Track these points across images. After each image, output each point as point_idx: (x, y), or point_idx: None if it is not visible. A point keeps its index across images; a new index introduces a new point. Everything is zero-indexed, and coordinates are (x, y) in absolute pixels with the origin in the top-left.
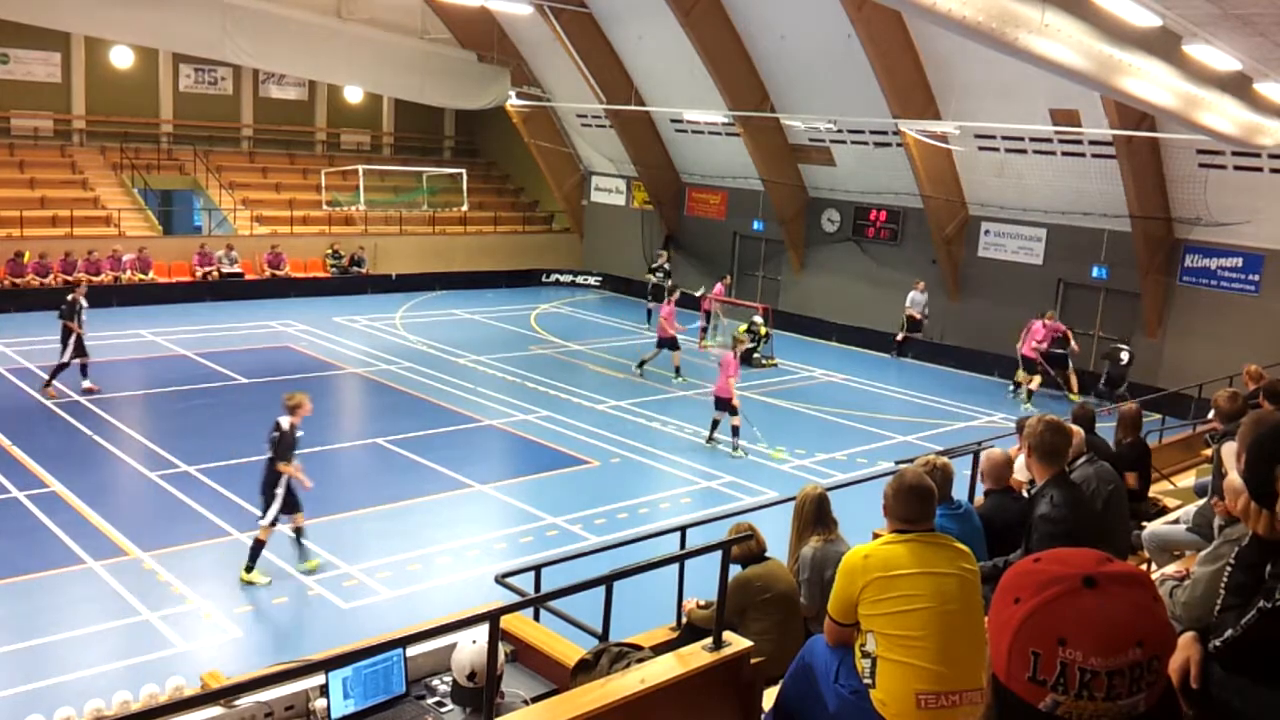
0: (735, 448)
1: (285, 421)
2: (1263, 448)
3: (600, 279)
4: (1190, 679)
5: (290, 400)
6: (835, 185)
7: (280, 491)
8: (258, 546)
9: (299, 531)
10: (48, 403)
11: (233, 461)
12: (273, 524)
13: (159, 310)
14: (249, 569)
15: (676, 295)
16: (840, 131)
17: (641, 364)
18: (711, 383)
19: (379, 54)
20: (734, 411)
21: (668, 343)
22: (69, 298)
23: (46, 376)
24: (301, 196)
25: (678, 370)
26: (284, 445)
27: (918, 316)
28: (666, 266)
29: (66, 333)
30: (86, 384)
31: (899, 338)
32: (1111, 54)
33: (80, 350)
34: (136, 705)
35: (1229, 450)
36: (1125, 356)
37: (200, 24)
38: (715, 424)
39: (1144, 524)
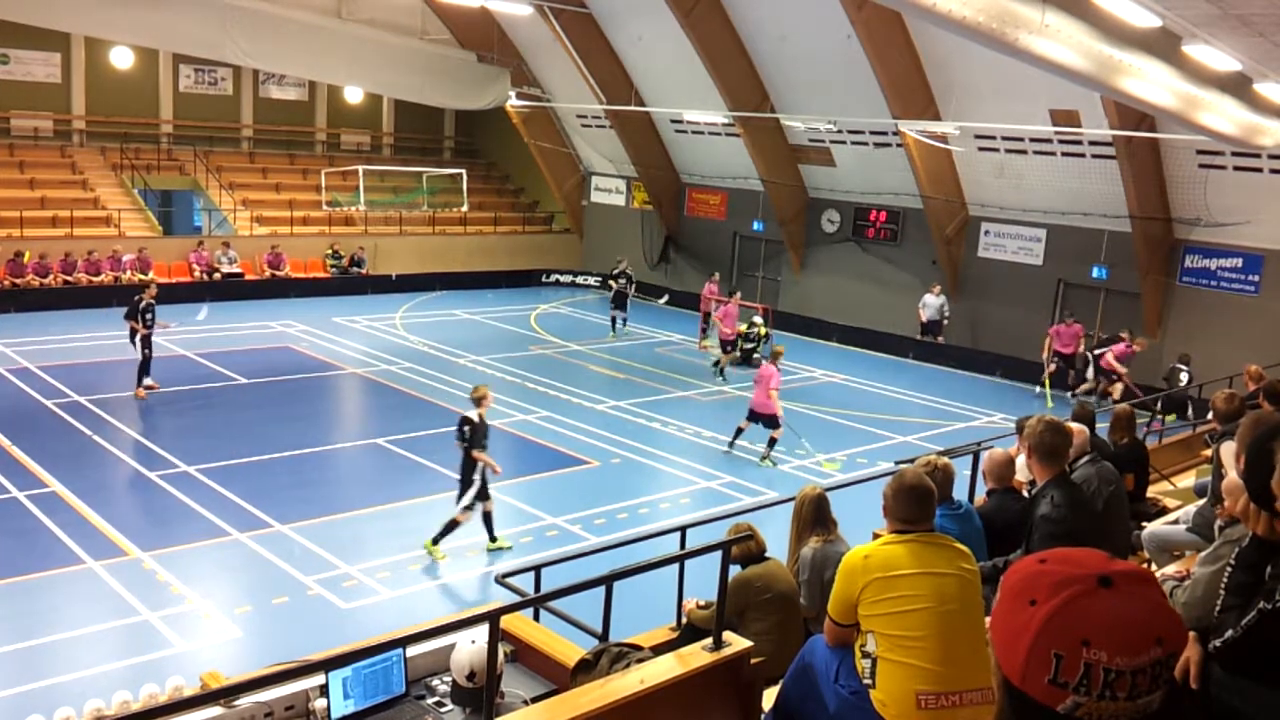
0: (764, 458)
1: (474, 414)
2: (1262, 449)
3: (600, 279)
4: (1190, 679)
5: (476, 393)
6: (835, 186)
7: (477, 478)
8: (451, 525)
9: (488, 516)
10: (48, 402)
11: (232, 462)
12: (469, 508)
13: (159, 310)
14: (435, 541)
15: (738, 295)
16: (840, 132)
17: (719, 368)
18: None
19: (379, 54)
20: (775, 425)
21: (729, 342)
22: (135, 298)
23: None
24: (301, 197)
25: (721, 371)
26: (478, 435)
27: (933, 319)
28: (629, 272)
29: (132, 332)
30: (148, 381)
31: (920, 339)
32: (1111, 54)
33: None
34: (136, 705)
35: (1228, 450)
36: (1185, 378)
37: (200, 24)
38: (739, 431)
39: (1144, 524)
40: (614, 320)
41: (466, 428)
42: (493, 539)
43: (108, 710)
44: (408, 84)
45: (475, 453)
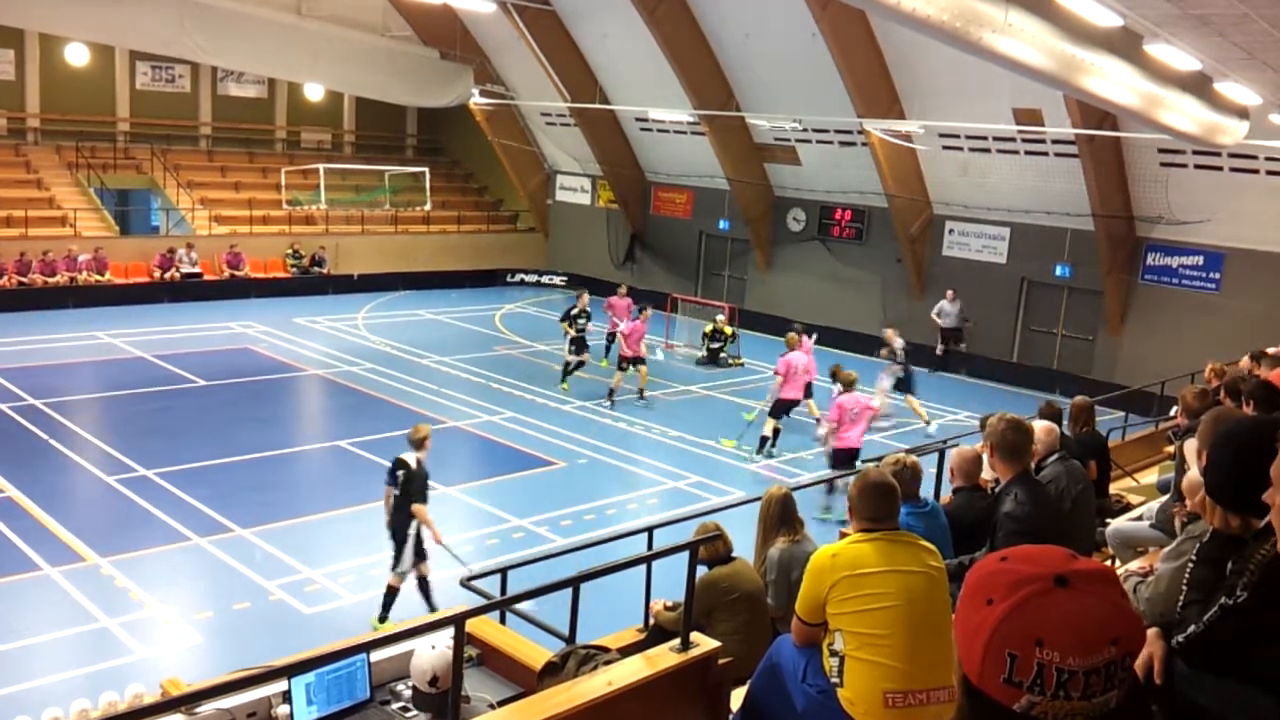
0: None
1: (412, 458)
2: (1227, 448)
3: (566, 278)
4: (1154, 675)
5: (416, 434)
6: (801, 184)
7: (412, 534)
8: (391, 594)
9: (424, 582)
10: (3, 406)
11: (192, 465)
12: (403, 572)
13: (116, 311)
14: (382, 619)
15: (648, 313)
16: (805, 131)
17: (610, 394)
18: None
19: (340, 51)
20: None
21: (630, 361)
22: None
23: None
24: (261, 196)
25: (611, 396)
26: (417, 484)
27: (952, 325)
28: (589, 310)
29: None
30: None
31: (939, 351)
32: (1074, 53)
33: None
34: (96, 713)
35: (1190, 447)
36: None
37: (158, 21)
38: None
39: (1108, 521)
40: (567, 367)
41: (401, 473)
42: (383, 618)
43: (94, 711)
44: (369, 81)
45: (415, 506)
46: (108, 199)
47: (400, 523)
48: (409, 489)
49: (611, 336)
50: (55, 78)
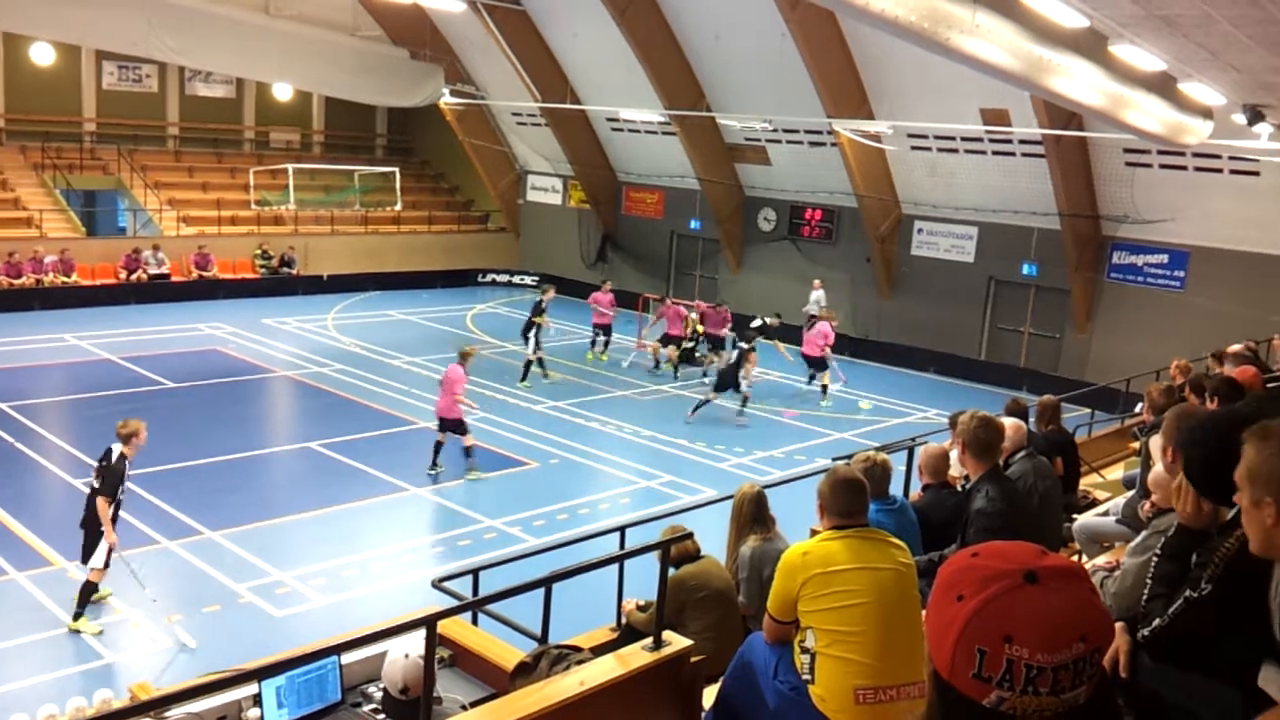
0: (433, 465)
1: (115, 450)
2: (1194, 439)
3: (537, 278)
4: (1120, 669)
5: (125, 428)
6: (771, 184)
7: (106, 529)
8: (89, 589)
9: (92, 586)
10: None
11: (160, 468)
12: (106, 565)
13: (82, 314)
14: (77, 616)
15: (608, 285)
16: (776, 131)
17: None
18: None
19: (309, 51)
20: (461, 431)
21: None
22: None
23: None
24: (229, 196)
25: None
26: (110, 479)
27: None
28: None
29: None
30: None
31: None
32: (1041, 54)
33: None
34: (63, 718)
35: (1156, 444)
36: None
37: (125, 20)
38: (438, 447)
39: (1074, 516)
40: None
41: (104, 463)
42: (77, 616)
43: (61, 716)
44: (339, 81)
45: (100, 500)
46: (74, 200)
47: (93, 515)
48: (102, 480)
49: (596, 329)
50: (20, 77)
